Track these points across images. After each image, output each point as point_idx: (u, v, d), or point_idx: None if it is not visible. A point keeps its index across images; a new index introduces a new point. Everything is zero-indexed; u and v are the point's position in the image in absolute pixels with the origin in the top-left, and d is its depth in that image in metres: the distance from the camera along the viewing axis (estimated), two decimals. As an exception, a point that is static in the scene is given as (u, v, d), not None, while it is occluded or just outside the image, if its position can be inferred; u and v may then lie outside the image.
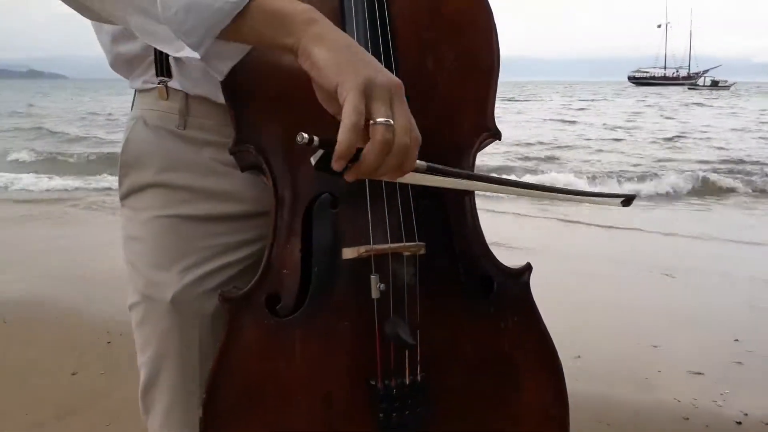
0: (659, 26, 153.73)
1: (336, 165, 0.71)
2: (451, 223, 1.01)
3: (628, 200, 0.99)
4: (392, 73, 0.76)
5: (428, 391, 0.95)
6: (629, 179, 10.08)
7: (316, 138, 0.69)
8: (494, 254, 1.05)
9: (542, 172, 10.97)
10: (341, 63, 0.73)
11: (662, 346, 3.31)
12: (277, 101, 0.94)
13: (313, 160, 0.72)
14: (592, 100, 41.36)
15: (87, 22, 0.98)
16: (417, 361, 0.94)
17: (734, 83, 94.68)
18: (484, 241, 1.04)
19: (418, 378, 0.94)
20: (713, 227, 6.75)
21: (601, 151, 14.35)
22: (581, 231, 6.14)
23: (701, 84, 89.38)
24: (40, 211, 6.87)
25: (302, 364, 0.93)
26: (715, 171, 10.40)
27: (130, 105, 1.12)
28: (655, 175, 10.07)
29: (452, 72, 1.02)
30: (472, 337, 1.01)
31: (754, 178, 9.87)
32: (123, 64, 1.06)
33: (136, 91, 1.09)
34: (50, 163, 11.87)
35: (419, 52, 0.99)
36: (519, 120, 21.60)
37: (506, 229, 5.89)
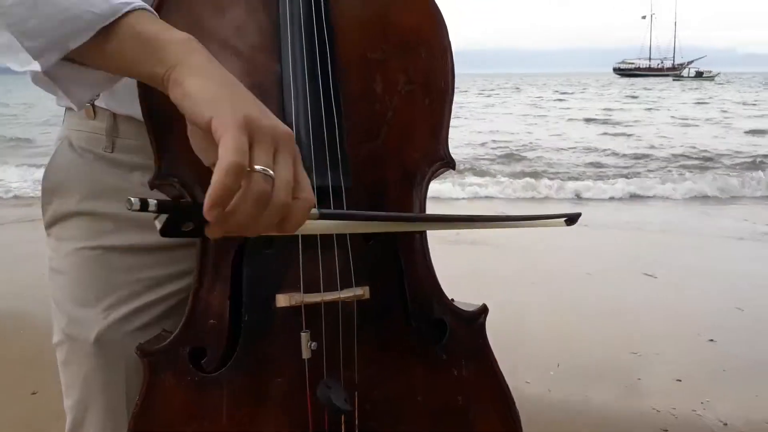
0: (644, 17, 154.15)
1: (208, 214, 0.57)
2: (398, 264, 0.91)
3: (571, 219, 0.93)
4: (333, 96, 0.71)
5: None
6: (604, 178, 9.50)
7: (152, 201, 0.57)
8: (447, 297, 0.96)
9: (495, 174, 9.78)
10: (219, 95, 0.62)
11: (642, 352, 3.25)
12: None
13: (158, 224, 0.59)
14: (570, 93, 41.33)
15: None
16: (354, 425, 0.85)
17: (718, 74, 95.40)
18: (437, 281, 0.95)
19: None
20: (686, 222, 6.73)
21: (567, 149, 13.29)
22: (554, 231, 6.07)
23: (686, 75, 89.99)
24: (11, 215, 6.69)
25: (229, 426, 0.84)
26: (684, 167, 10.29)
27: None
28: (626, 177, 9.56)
29: (403, 96, 0.89)
30: (422, 389, 0.91)
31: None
32: (44, 79, 0.93)
33: (65, 109, 0.98)
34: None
35: (365, 73, 0.88)
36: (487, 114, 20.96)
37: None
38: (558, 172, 10.16)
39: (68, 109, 0.97)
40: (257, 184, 0.58)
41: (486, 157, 12.07)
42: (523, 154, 12.36)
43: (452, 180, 8.18)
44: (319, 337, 0.83)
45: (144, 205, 0.56)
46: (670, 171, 9.82)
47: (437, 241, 0.97)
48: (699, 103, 28.00)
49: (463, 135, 14.78)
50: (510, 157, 11.96)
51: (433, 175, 0.96)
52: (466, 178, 8.95)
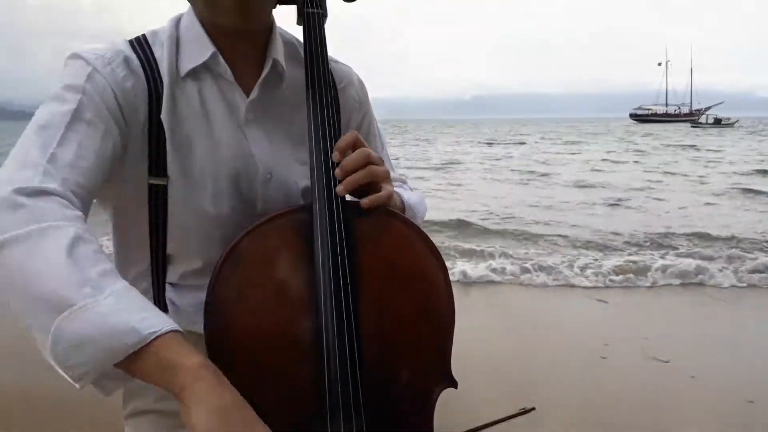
0: (659, 64, 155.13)
1: None
2: None
3: (527, 411, 1.06)
4: (354, 341, 0.89)
5: None
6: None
7: None
8: None
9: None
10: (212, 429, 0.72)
11: None
12: (253, 377, 0.90)
13: None
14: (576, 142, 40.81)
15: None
16: None
17: (737, 120, 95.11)
18: None
19: None
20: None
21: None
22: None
23: (704, 122, 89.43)
24: None
25: None
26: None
27: None
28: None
29: (412, 329, 1.01)
30: None
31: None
32: None
33: None
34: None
35: (380, 313, 0.98)
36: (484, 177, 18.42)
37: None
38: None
39: None
40: None
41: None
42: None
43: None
44: None
45: None
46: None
47: None
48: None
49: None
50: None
51: (438, 395, 1.04)
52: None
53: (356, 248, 0.98)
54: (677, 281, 6.34)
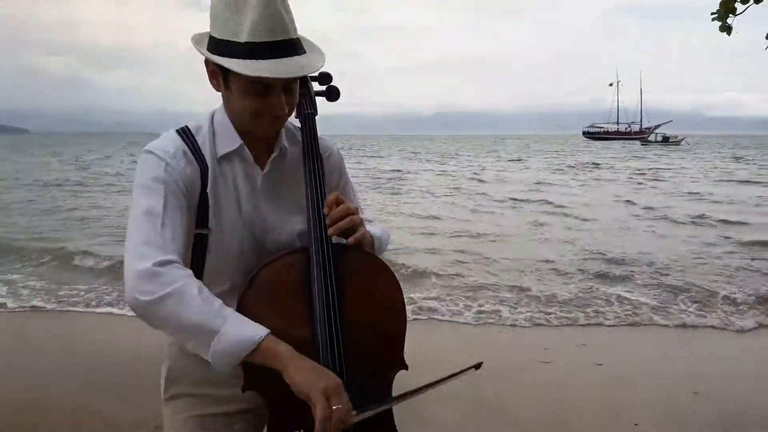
0: (611, 84, 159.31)
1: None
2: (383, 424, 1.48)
3: (478, 365, 1.41)
4: (340, 342, 1.36)
5: None
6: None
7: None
8: None
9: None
10: (308, 381, 1.24)
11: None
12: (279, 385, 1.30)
13: None
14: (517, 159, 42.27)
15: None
16: None
17: (684, 138, 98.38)
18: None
19: None
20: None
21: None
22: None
23: (653, 139, 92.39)
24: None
25: None
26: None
27: None
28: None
29: (379, 329, 1.48)
30: None
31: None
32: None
33: None
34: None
35: (357, 319, 1.43)
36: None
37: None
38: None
39: None
40: (335, 413, 1.21)
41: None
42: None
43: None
44: None
45: None
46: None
47: None
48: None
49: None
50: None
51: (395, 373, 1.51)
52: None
53: (340, 274, 1.43)
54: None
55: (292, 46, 1.34)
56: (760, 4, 4.28)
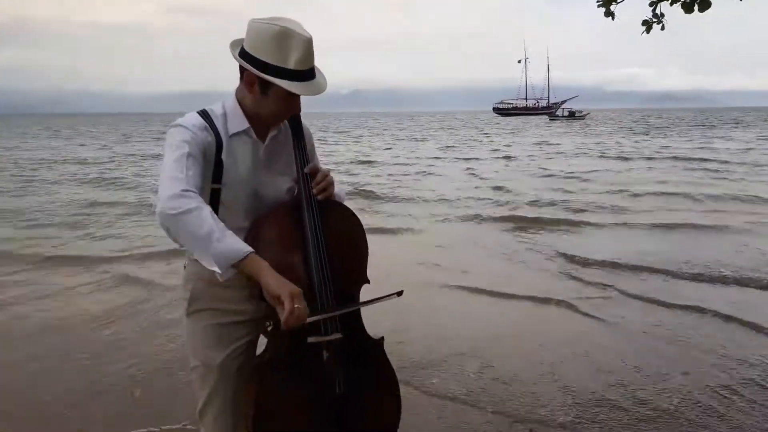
0: (519, 61, 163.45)
1: (284, 325, 1.78)
2: (352, 323, 2.10)
3: (400, 293, 2.05)
4: (325, 262, 1.98)
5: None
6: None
7: (269, 323, 2.03)
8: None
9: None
10: (279, 287, 1.79)
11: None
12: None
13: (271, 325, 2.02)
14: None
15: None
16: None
17: (588, 113, 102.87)
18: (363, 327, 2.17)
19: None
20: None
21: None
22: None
23: (560, 114, 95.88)
24: None
25: (295, 385, 2.04)
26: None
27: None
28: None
29: (350, 254, 2.12)
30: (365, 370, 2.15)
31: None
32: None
33: (189, 258, 2.08)
34: None
35: (338, 256, 2.06)
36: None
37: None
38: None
39: (193, 260, 2.00)
40: (296, 311, 1.77)
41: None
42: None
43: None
44: (328, 349, 2.01)
45: (273, 326, 2.07)
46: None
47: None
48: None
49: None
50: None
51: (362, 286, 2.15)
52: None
53: (323, 218, 2.04)
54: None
55: (314, 72, 1.96)
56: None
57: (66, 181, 17.15)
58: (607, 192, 13.60)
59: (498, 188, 14.59)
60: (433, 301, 5.89)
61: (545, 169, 19.34)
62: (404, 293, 2.06)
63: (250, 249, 1.79)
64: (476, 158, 24.05)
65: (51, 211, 11.92)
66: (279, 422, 2.01)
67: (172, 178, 1.79)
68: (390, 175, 18.35)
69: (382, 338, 2.20)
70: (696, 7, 4.62)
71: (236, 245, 1.77)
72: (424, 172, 19.07)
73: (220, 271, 1.76)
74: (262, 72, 1.89)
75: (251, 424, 2.02)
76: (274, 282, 1.79)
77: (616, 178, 16.30)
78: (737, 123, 61.86)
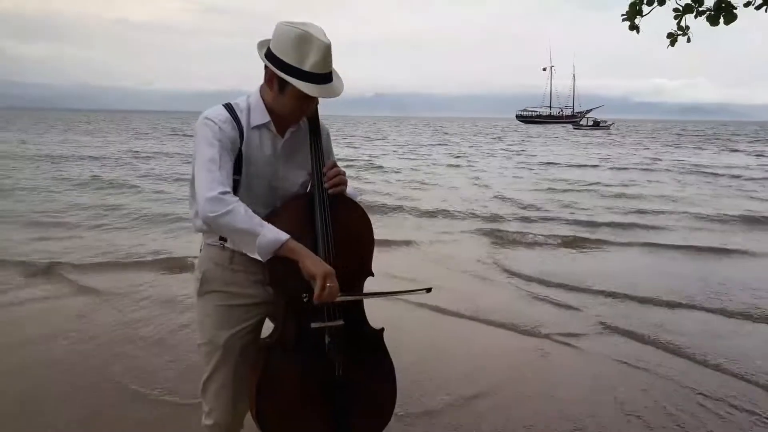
0: (544, 69, 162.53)
1: (315, 301, 2.02)
2: (354, 313, 2.25)
3: (429, 289, 2.26)
4: (332, 254, 2.11)
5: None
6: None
7: (306, 295, 2.07)
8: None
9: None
10: (314, 266, 2.00)
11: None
12: (292, 278, 2.07)
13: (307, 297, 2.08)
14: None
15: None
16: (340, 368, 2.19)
17: (613, 123, 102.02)
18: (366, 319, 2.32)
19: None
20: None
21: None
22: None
23: (584, 124, 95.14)
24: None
25: (295, 366, 2.20)
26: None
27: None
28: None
29: (357, 248, 2.26)
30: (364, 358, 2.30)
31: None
32: (201, 228, 2.19)
33: (204, 243, 2.27)
34: None
35: (344, 248, 2.19)
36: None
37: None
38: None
39: (207, 244, 2.25)
40: (328, 288, 2.00)
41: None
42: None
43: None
44: (330, 334, 2.16)
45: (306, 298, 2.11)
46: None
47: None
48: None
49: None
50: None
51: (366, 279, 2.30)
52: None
53: (332, 212, 2.17)
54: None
55: (331, 76, 2.07)
56: (663, 6, 4.93)
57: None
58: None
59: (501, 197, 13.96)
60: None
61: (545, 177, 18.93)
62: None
63: (286, 236, 1.99)
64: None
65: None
66: (280, 400, 2.15)
67: (209, 179, 1.98)
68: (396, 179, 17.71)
69: (382, 329, 2.33)
70: (722, 20, 4.60)
71: (274, 235, 1.97)
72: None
73: (263, 260, 1.98)
74: (280, 71, 2.01)
75: (254, 401, 2.14)
76: (311, 262, 2.00)
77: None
78: None
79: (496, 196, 14.17)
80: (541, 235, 9.33)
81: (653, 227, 10.30)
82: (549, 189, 15.73)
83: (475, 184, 16.78)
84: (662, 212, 11.89)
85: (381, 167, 21.70)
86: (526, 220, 11.01)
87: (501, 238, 9.17)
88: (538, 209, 12.30)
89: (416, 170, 20.98)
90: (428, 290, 2.26)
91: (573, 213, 11.79)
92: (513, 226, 10.19)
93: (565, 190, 15.51)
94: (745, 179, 18.67)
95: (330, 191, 2.18)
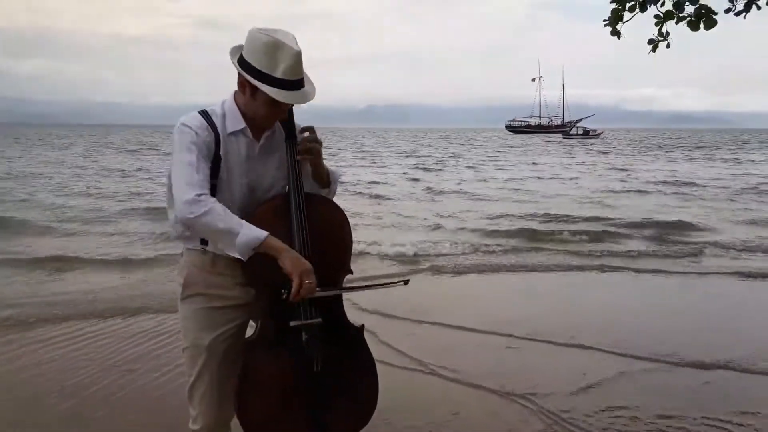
0: (533, 80, 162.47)
1: (293, 298, 2.04)
2: (333, 309, 2.28)
3: (407, 281, 2.28)
4: (308, 251, 2.13)
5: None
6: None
7: (284, 291, 2.05)
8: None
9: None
10: (294, 264, 2.03)
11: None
12: (269, 277, 2.09)
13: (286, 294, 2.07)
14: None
15: None
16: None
17: (603, 132, 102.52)
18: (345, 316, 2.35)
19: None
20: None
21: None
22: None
23: (574, 133, 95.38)
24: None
25: (277, 362, 2.24)
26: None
27: None
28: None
29: (333, 249, 2.28)
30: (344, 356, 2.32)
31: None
32: (182, 234, 2.24)
33: (185, 248, 2.27)
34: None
35: (321, 245, 2.21)
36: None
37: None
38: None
39: (187, 249, 2.26)
40: (306, 285, 2.03)
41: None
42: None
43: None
44: (307, 332, 2.18)
45: (285, 294, 2.08)
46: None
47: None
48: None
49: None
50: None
51: (345, 275, 2.33)
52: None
53: (309, 211, 2.20)
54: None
55: (301, 82, 2.12)
56: (645, 13, 4.99)
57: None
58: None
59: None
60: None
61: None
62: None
63: (265, 233, 2.01)
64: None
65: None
66: (261, 395, 2.19)
67: (186, 182, 2.01)
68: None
69: (362, 326, 2.36)
70: (702, 25, 4.65)
71: (253, 233, 2.00)
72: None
73: (243, 258, 2.01)
74: (252, 77, 2.05)
75: (236, 398, 2.18)
76: (289, 259, 2.03)
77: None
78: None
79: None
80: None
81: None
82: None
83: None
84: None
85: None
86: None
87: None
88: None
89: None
90: (406, 282, 2.26)
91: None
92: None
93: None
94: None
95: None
